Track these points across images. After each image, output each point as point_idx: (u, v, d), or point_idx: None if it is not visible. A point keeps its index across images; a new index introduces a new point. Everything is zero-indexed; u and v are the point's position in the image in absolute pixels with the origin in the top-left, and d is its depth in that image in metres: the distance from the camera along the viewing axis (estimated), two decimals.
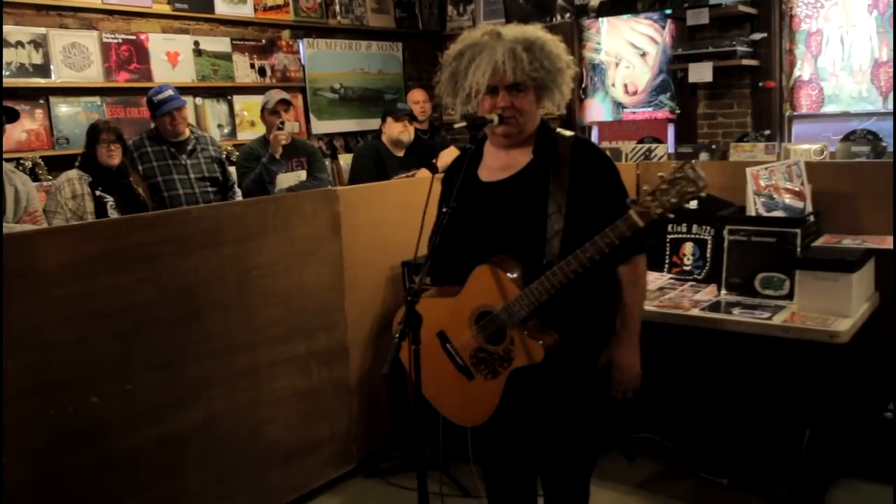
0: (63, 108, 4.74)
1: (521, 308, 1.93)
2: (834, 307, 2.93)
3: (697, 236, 3.51)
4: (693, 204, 3.68)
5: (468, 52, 2.03)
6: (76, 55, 4.78)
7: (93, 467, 2.65)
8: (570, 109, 6.25)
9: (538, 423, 2.14)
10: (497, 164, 2.11)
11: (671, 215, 1.75)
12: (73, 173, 3.77)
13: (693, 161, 1.75)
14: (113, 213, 3.72)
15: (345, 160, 5.81)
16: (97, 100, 4.88)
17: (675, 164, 1.75)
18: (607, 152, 2.22)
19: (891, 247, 3.26)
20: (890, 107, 5.24)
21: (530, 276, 1.94)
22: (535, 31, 2.04)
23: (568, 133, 2.10)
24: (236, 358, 3.06)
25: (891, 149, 4.64)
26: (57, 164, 4.49)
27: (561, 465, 2.20)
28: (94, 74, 4.86)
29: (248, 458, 3.12)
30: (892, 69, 5.23)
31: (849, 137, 4.85)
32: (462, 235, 2.08)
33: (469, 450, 3.32)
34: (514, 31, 2.03)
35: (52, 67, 4.67)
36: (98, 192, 3.73)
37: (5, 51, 4.44)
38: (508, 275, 1.94)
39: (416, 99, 5.51)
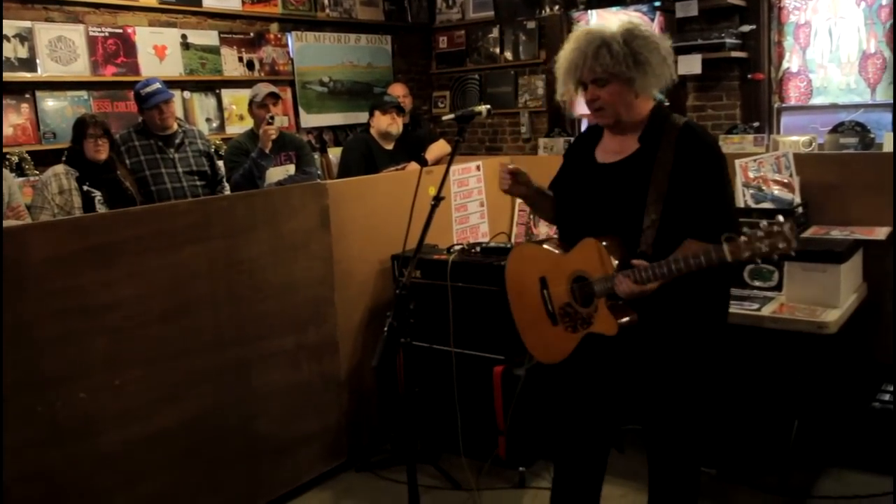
0: (49, 103, 4.70)
1: (611, 286, 2.10)
2: (822, 298, 2.94)
3: None
4: None
5: (562, 56, 2.24)
6: (62, 49, 4.74)
7: (83, 463, 2.65)
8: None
9: (608, 394, 2.32)
10: (611, 147, 2.28)
11: (758, 261, 1.90)
12: (60, 168, 3.75)
13: (793, 223, 1.88)
14: (101, 208, 3.69)
15: (334, 154, 5.79)
16: (84, 94, 4.85)
17: (779, 219, 1.88)
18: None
19: (879, 238, 3.28)
20: (878, 98, 5.26)
21: (628, 259, 2.11)
22: (621, 25, 2.16)
23: (680, 121, 2.20)
24: (225, 352, 3.05)
25: (879, 140, 4.66)
26: (43, 159, 4.45)
27: (656, 447, 2.35)
28: (80, 68, 4.83)
29: (239, 453, 3.11)
30: (879, 61, 5.25)
31: (837, 129, 4.87)
32: (578, 206, 2.31)
33: (459, 442, 3.33)
34: (598, 29, 2.18)
35: (38, 61, 4.63)
36: (86, 187, 3.71)
37: None
38: (611, 255, 2.13)
39: (397, 93, 5.49)
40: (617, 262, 2.10)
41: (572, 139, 2.47)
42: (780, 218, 1.87)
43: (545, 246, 2.38)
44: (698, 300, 2.18)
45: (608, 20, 6.30)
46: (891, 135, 4.53)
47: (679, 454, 2.32)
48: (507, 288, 2.48)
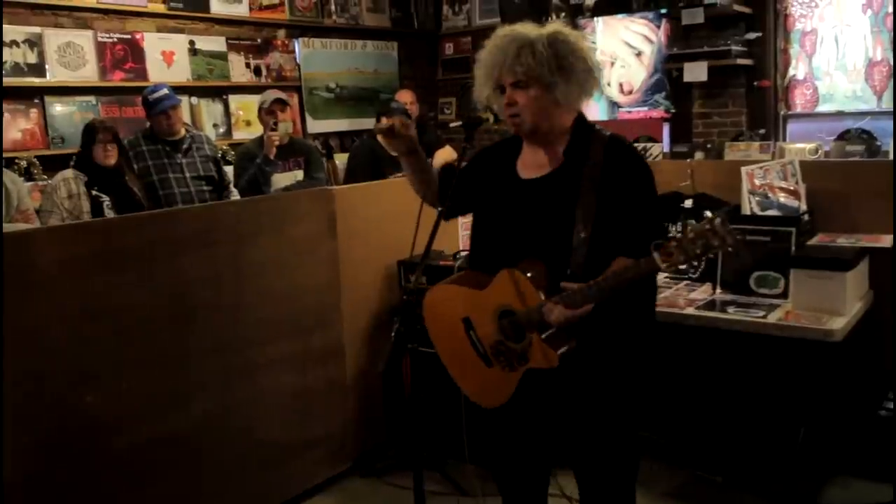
0: (58, 108, 4.73)
1: (540, 316, 1.96)
2: (828, 306, 2.94)
3: None
4: (688, 202, 3.70)
5: (483, 53, 2.09)
6: (71, 54, 4.77)
7: (89, 467, 2.65)
8: None
9: (553, 423, 2.18)
10: (532, 160, 2.12)
11: (695, 263, 1.77)
12: (69, 173, 3.77)
13: (724, 217, 1.78)
14: (109, 213, 3.71)
15: (340, 159, 5.81)
16: (92, 99, 4.88)
17: (708, 216, 1.80)
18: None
19: (885, 245, 3.28)
20: (884, 106, 5.27)
21: (554, 283, 1.96)
22: (546, 29, 2.04)
23: (605, 133, 2.09)
24: (231, 357, 3.06)
25: (885, 148, 4.66)
26: (52, 164, 4.49)
27: (589, 471, 2.20)
28: (89, 74, 4.86)
29: (244, 457, 3.12)
30: (885, 69, 5.26)
31: (843, 137, 4.88)
32: (497, 226, 2.14)
33: (465, 449, 3.32)
34: (523, 30, 2.04)
35: (46, 67, 4.66)
36: (94, 192, 3.73)
37: None
38: (534, 284, 1.98)
39: (404, 100, 5.50)
40: (542, 289, 1.96)
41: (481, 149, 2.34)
42: (708, 214, 1.78)
43: (458, 285, 2.19)
44: (630, 311, 2.04)
45: (615, 27, 6.32)
46: None
47: (619, 481, 2.19)
48: (431, 338, 2.25)
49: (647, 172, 2.07)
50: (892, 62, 5.21)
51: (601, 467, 2.17)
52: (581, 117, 2.13)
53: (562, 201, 2.00)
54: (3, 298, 2.42)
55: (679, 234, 1.81)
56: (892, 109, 5.17)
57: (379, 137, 2.31)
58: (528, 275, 1.99)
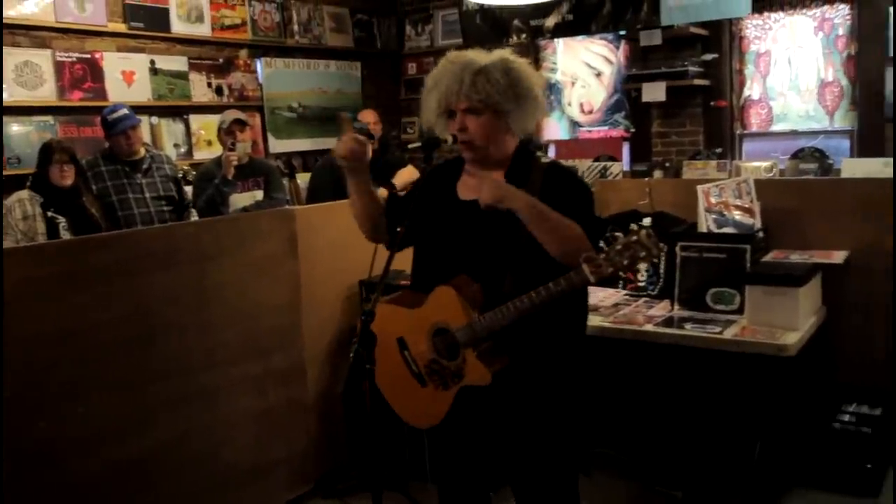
0: (14, 128, 4.67)
1: (474, 333, 2.00)
2: (782, 321, 2.99)
3: None
4: (646, 220, 3.76)
5: (434, 78, 2.11)
6: (28, 74, 4.72)
7: (44, 493, 2.60)
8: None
9: (490, 440, 2.20)
10: (473, 182, 2.13)
11: (622, 273, 1.83)
12: (25, 194, 3.72)
13: (649, 229, 1.85)
14: (65, 235, 3.66)
15: (303, 179, 5.80)
16: (50, 119, 4.82)
17: (633, 228, 1.85)
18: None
19: (836, 261, 3.36)
20: (836, 125, 5.42)
21: (489, 302, 1.99)
22: (496, 55, 2.08)
23: (545, 160, 2.14)
24: (192, 379, 3.02)
25: (837, 166, 4.79)
26: (7, 185, 4.41)
27: (526, 487, 2.21)
28: (46, 93, 4.81)
29: (205, 481, 3.07)
30: (837, 89, 5.41)
31: (797, 155, 5.00)
32: (436, 246, 2.17)
33: (427, 468, 3.32)
34: (474, 56, 2.07)
35: (3, 86, 4.60)
36: (50, 213, 3.68)
37: None
38: (466, 300, 2.01)
39: (367, 120, 5.51)
40: (476, 306, 1.99)
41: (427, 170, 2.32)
42: (634, 226, 1.84)
43: (394, 304, 2.19)
44: (561, 329, 2.09)
45: (575, 48, 6.41)
46: (849, 160, 4.67)
47: (556, 497, 2.20)
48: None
49: (585, 192, 2.14)
50: (842, 83, 5.37)
51: (537, 484, 2.18)
52: (523, 144, 2.17)
53: (500, 224, 2.02)
54: (3, 310, 2.38)
55: (607, 247, 1.86)
56: (844, 128, 5.33)
57: (338, 151, 2.27)
58: (462, 292, 2.01)
